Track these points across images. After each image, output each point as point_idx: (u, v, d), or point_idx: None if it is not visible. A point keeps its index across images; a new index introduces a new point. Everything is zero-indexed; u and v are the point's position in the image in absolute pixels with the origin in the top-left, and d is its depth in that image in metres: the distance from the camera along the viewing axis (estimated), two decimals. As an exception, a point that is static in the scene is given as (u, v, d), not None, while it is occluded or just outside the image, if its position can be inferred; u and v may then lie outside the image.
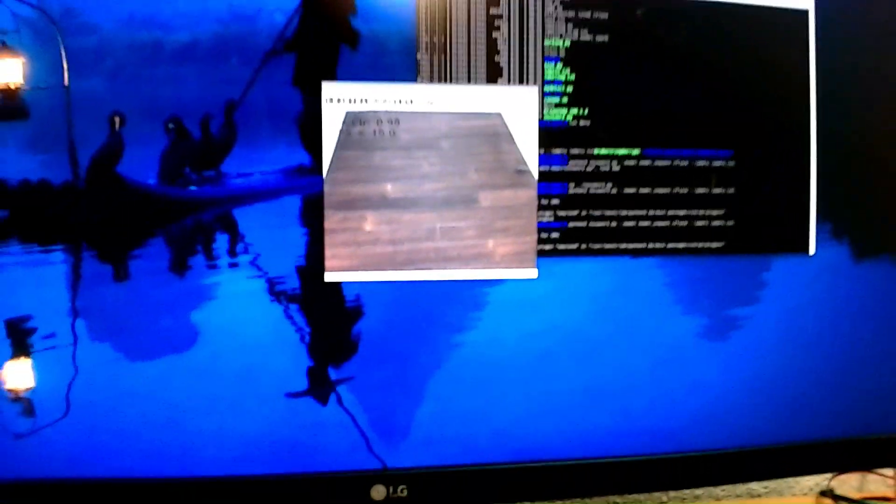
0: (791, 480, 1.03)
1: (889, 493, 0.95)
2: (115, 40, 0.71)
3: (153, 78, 0.71)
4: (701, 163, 0.81)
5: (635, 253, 0.81)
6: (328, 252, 0.74)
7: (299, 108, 0.74)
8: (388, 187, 0.75)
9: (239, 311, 0.74)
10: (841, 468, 0.89)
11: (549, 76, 0.78)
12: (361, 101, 0.74)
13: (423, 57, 0.75)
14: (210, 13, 0.72)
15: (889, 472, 0.93)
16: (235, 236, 0.74)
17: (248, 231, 0.74)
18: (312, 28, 0.73)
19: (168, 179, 0.73)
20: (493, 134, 0.76)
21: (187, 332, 0.73)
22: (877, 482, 0.96)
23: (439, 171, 0.75)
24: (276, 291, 0.74)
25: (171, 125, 0.72)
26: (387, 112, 0.75)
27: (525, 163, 0.77)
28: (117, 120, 0.72)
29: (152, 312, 0.73)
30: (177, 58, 0.71)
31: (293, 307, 0.75)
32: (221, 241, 0.74)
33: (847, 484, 0.98)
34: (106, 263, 0.72)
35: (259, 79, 0.73)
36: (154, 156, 0.72)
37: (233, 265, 0.74)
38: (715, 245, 0.82)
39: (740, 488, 1.01)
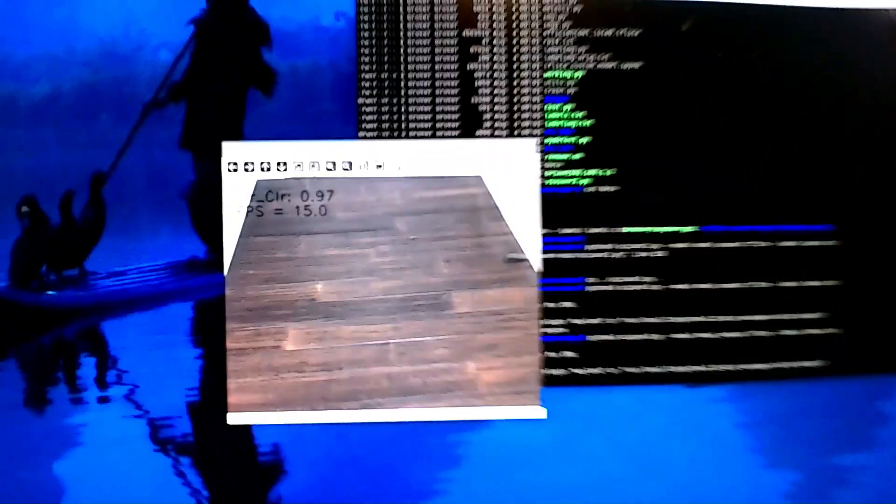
0: None
1: None
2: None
3: (4, 144, 0.66)
4: (787, 243, 0.67)
5: (692, 379, 0.67)
6: (232, 383, 0.63)
7: (190, 178, 0.66)
8: (319, 288, 0.64)
9: (113, 462, 0.64)
10: None
11: (552, 122, 0.66)
12: (278, 165, 0.63)
13: (366, 102, 0.65)
14: (76, 54, 0.68)
15: None
16: (105, 360, 0.66)
17: (122, 352, 0.65)
18: (209, 68, 0.66)
19: (20, 282, 0.65)
20: (471, 208, 0.65)
21: (50, 487, 0.64)
22: None
23: (393, 264, 0.64)
24: (160, 439, 0.64)
25: (24, 208, 0.66)
26: (315, 180, 0.64)
27: (520, 248, 0.65)
28: (-39, 204, 0.68)
29: (7, 460, 0.64)
30: (33, 116, 0.67)
31: (184, 461, 0.64)
32: (88, 367, 0.66)
33: None
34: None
35: (136, 140, 0.65)
36: (4, 250, 0.65)
37: (102, 400, 0.65)
38: (812, 364, 0.68)
39: None
